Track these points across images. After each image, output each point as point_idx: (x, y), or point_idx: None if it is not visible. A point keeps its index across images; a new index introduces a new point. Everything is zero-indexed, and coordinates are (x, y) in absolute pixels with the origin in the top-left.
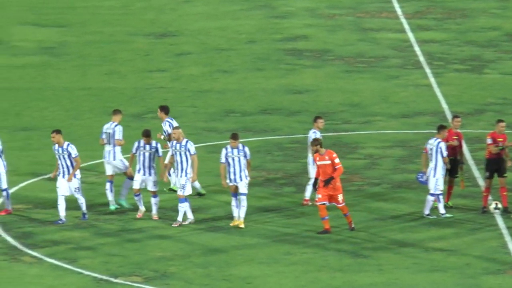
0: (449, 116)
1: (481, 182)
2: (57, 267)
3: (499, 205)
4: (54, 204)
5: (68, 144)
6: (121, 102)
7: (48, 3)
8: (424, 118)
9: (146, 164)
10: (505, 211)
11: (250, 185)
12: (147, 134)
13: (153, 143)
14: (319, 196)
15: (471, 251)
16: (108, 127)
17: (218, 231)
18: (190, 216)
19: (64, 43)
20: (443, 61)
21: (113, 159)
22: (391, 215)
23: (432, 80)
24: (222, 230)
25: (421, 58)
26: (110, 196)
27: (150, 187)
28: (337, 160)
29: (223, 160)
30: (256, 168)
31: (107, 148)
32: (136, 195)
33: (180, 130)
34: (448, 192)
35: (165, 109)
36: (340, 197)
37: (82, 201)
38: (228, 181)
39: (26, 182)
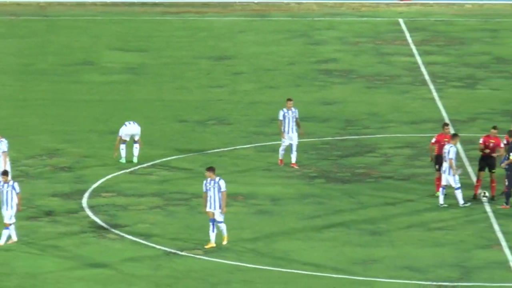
0: (448, 123)
1: (474, 176)
2: (135, 242)
3: (487, 194)
4: (134, 193)
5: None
6: (188, 111)
7: (132, 33)
8: (428, 124)
9: None
10: (491, 199)
11: (288, 177)
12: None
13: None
14: None
15: (465, 230)
16: None
17: (264, 214)
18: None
19: (143, 64)
20: (444, 79)
21: None
22: (401, 201)
23: (435, 94)
24: (267, 214)
25: (427, 77)
26: None
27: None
28: None
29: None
30: (296, 163)
31: None
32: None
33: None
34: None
35: None
36: None
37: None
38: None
39: (111, 175)
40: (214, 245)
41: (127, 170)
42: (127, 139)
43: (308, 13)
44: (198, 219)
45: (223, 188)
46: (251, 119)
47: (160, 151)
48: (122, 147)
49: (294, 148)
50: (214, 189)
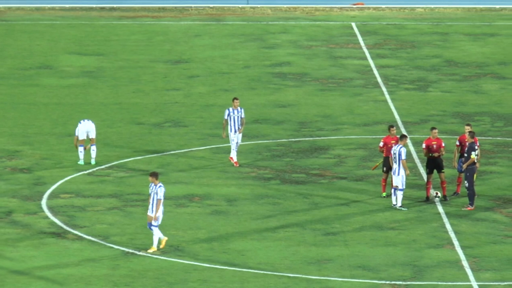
0: (400, 124)
1: (425, 177)
2: (94, 242)
3: (439, 194)
4: (91, 194)
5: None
6: (144, 114)
7: (89, 37)
8: (381, 126)
9: None
10: (444, 198)
11: (243, 178)
12: None
13: None
14: None
15: (417, 230)
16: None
17: (219, 215)
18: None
19: (101, 68)
20: (396, 81)
21: None
22: (355, 201)
23: (387, 96)
24: (223, 214)
25: (379, 80)
26: None
27: None
28: None
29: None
30: (249, 165)
31: None
32: None
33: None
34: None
35: None
36: None
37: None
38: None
39: (70, 177)
40: (165, 238)
41: (85, 172)
42: (84, 137)
43: (263, 17)
44: None
45: (160, 195)
46: (206, 121)
47: (117, 153)
48: (81, 149)
49: (237, 145)
50: (154, 195)
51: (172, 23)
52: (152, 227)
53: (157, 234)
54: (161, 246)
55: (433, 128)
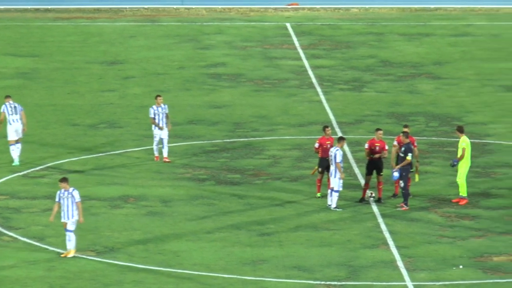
0: (335, 125)
1: (360, 178)
2: (29, 244)
3: (374, 195)
4: (27, 195)
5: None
6: (79, 115)
7: (24, 38)
8: (316, 126)
9: None
10: (378, 200)
11: (178, 179)
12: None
13: None
14: None
15: (352, 230)
16: None
17: (154, 216)
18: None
19: (36, 69)
20: (331, 82)
21: None
22: (289, 202)
23: (322, 97)
24: (158, 215)
25: (314, 80)
26: None
27: None
28: None
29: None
30: (184, 166)
31: None
32: None
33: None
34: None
35: None
36: None
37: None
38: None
39: (5, 178)
40: (73, 252)
41: (20, 173)
42: (14, 138)
43: (197, 18)
44: (90, 220)
45: (78, 198)
46: (141, 122)
47: (52, 154)
48: (13, 148)
49: (165, 143)
50: (68, 200)
51: (107, 24)
52: (68, 232)
53: (73, 238)
54: (61, 255)
55: (378, 130)
